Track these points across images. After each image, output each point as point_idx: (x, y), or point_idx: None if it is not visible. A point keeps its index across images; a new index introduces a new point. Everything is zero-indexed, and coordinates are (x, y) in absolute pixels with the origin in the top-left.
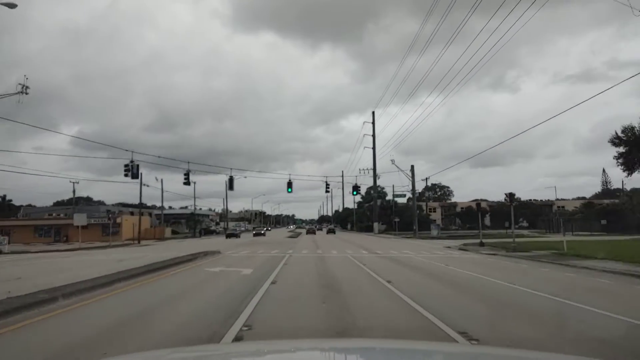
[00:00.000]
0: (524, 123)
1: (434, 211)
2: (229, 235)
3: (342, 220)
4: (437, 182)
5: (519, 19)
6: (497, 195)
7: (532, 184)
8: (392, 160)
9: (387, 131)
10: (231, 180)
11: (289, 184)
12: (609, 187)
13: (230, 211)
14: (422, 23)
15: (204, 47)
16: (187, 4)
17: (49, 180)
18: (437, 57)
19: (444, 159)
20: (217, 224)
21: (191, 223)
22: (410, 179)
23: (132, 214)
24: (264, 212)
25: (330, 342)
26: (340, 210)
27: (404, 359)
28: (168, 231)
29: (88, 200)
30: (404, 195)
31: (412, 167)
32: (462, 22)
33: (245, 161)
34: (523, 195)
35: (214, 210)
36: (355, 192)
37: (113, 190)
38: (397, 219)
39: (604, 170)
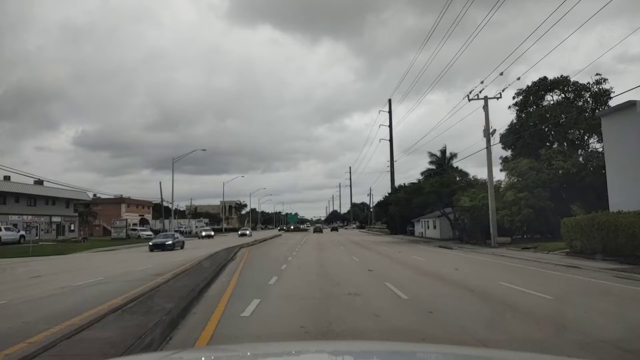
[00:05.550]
0: None
1: None
2: None
3: (388, 214)
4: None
5: (528, 14)
6: None
7: None
8: None
9: (398, 130)
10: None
11: None
12: None
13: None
14: (438, 19)
15: (205, 45)
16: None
17: None
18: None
19: None
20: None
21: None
22: None
23: None
24: (243, 205)
25: (329, 345)
26: (366, 202)
27: None
28: None
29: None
30: None
31: None
32: (459, 16)
33: (248, 161)
34: None
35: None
36: None
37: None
38: None
39: None
